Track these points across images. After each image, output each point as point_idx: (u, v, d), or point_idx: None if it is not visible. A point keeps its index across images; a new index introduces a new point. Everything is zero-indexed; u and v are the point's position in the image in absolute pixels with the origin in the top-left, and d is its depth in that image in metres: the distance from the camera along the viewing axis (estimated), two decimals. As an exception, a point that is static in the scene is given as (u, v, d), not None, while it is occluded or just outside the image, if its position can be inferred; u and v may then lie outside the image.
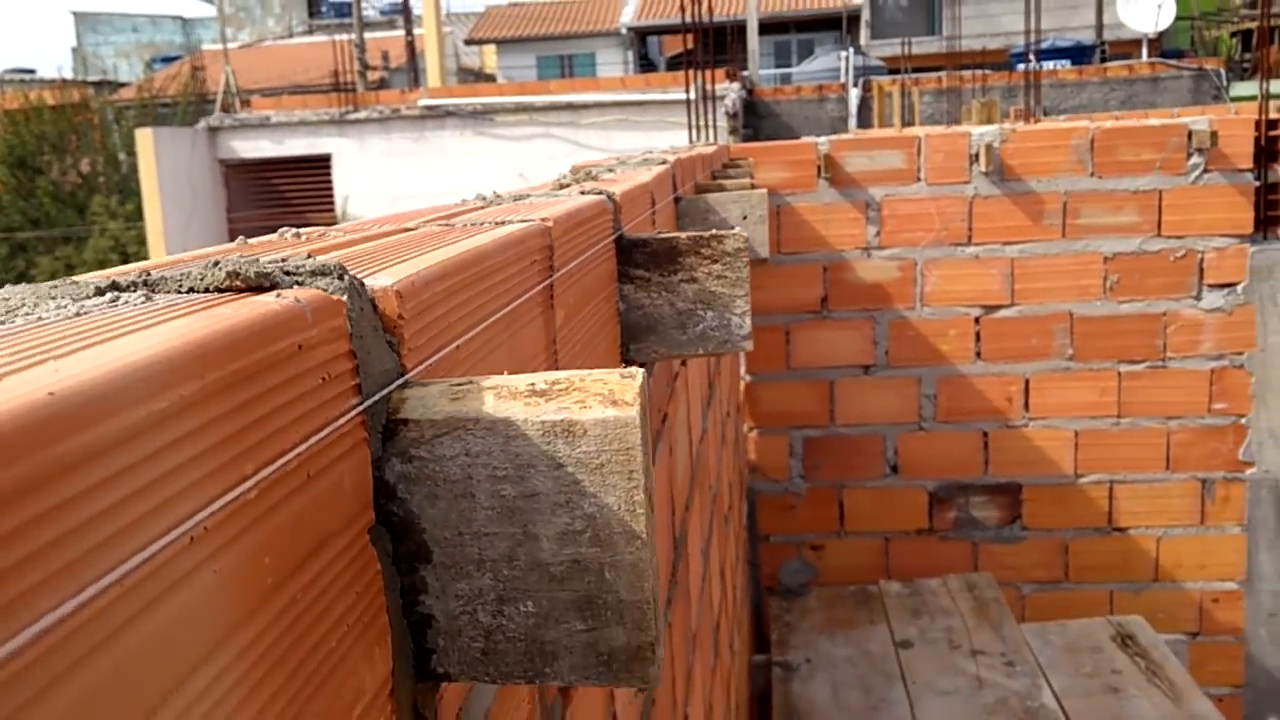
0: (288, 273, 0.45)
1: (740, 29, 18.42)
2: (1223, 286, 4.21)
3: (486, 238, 0.67)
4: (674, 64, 29.97)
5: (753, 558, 4.45)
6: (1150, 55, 18.58)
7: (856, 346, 4.36)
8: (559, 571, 0.48)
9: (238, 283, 0.43)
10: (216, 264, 0.44)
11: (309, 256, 0.50)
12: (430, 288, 0.53)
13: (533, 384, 0.48)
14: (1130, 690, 3.61)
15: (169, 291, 0.44)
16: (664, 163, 1.77)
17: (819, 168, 4.31)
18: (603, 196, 1.04)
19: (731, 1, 24.20)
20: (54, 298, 0.41)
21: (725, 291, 1.10)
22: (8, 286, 0.44)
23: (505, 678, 0.50)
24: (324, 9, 40.22)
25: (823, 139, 4.46)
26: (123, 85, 29.27)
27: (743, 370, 4.38)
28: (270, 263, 0.45)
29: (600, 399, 0.47)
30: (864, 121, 15.51)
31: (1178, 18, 22.23)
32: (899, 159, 4.30)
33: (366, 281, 0.49)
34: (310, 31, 37.46)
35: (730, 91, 13.66)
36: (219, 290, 0.44)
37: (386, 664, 0.47)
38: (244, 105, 15.82)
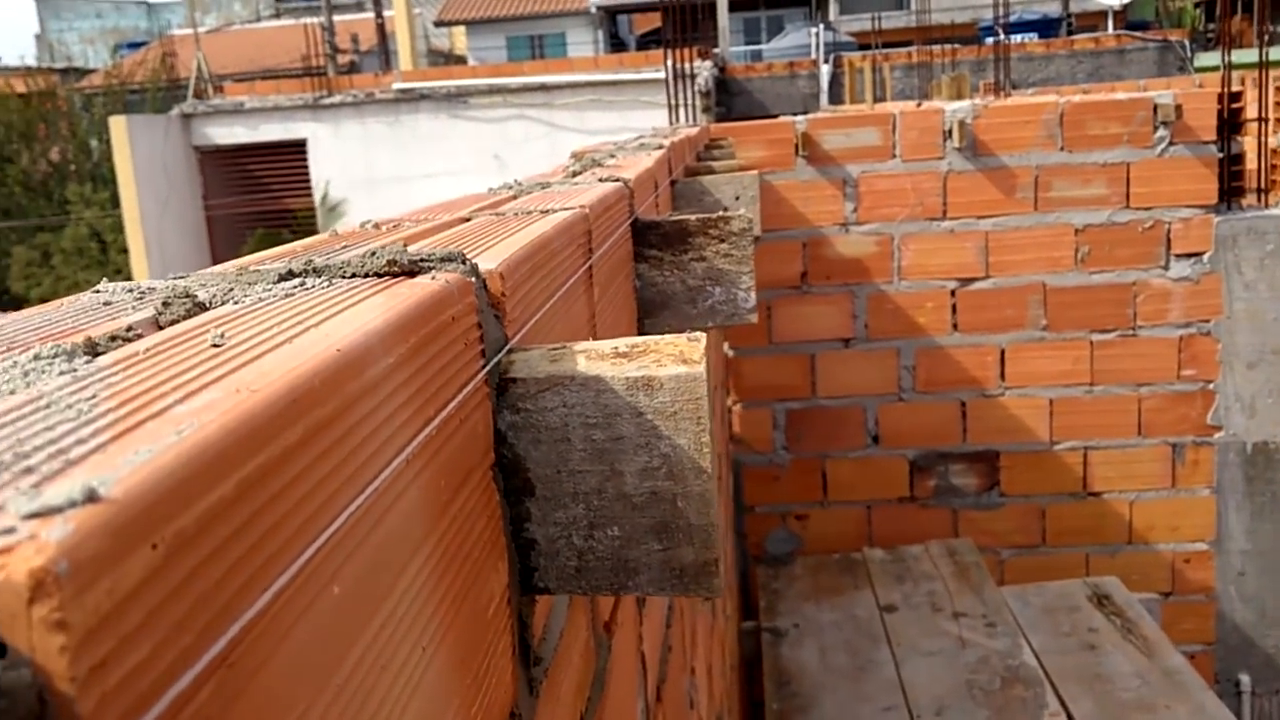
0: (424, 260, 0.54)
1: (710, 7, 18.44)
2: (1189, 256, 4.34)
3: (546, 224, 0.77)
4: (644, 42, 29.88)
5: (739, 528, 4.57)
6: (1116, 27, 18.75)
7: (836, 320, 4.47)
8: (639, 501, 0.58)
9: (395, 268, 0.53)
10: (374, 254, 0.54)
11: (405, 246, 0.59)
12: (519, 269, 0.63)
13: (615, 347, 0.58)
14: (1107, 647, 3.75)
15: (338, 277, 0.54)
16: (660, 147, 1.87)
17: (796, 146, 4.41)
18: (620, 183, 1.13)
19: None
20: (252, 283, 0.50)
21: (732, 269, 1.20)
22: (201, 273, 0.53)
23: (595, 590, 0.60)
24: (291, -8, 39.86)
25: (800, 118, 4.56)
26: (89, 72, 28.97)
27: (725, 345, 4.48)
28: (405, 252, 0.55)
29: (673, 358, 0.57)
30: (835, 97, 15.57)
31: (1143, -11, 22.40)
32: (874, 136, 4.40)
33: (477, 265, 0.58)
34: (277, 15, 37.13)
35: (703, 70, 13.71)
36: (378, 275, 0.53)
37: (504, 578, 0.56)
38: (216, 91, 15.76)
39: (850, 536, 4.57)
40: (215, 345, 0.37)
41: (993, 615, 3.88)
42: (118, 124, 14.38)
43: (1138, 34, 16.82)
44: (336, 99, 14.62)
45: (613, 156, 1.69)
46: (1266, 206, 4.39)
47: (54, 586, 0.22)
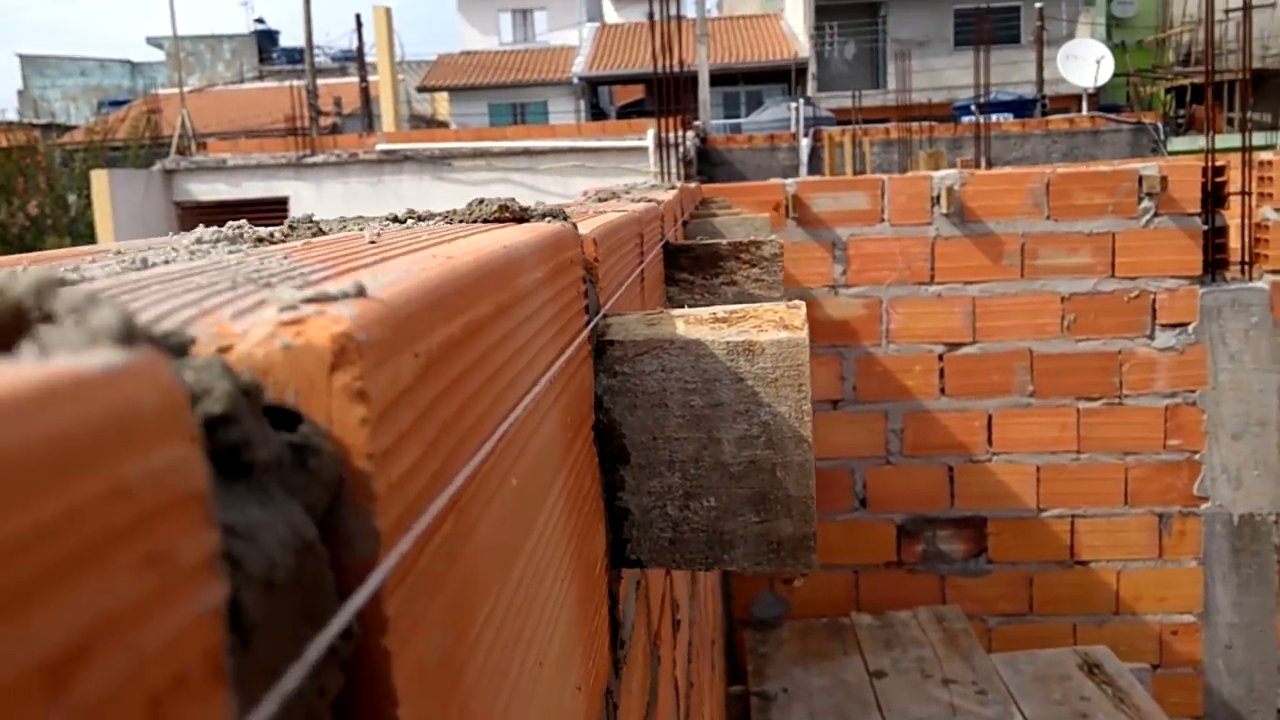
0: (530, 211, 0.53)
1: (691, 80, 18.73)
2: (1175, 326, 4.38)
3: (612, 215, 0.76)
4: (625, 113, 30.27)
5: (725, 590, 4.52)
6: (1089, 109, 19.15)
7: (825, 381, 4.47)
8: (737, 470, 0.56)
9: (506, 215, 0.51)
10: (482, 202, 0.53)
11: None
12: (605, 241, 0.61)
13: (714, 313, 0.57)
14: (1099, 716, 3.71)
15: (446, 222, 0.52)
16: (672, 188, 1.88)
17: (786, 208, 4.45)
18: (655, 203, 1.13)
19: (682, 53, 24.54)
20: (365, 222, 0.49)
21: (763, 294, 1.19)
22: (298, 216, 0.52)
23: (689, 564, 0.57)
24: (275, 55, 40.29)
25: (790, 181, 4.60)
26: (71, 128, 29.04)
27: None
28: (514, 201, 0.53)
29: (774, 324, 0.56)
30: (815, 170, 15.79)
31: (1114, 74, 22.95)
32: (863, 200, 4.45)
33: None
34: (261, 77, 37.46)
35: (687, 138, 13.88)
36: (487, 221, 0.52)
37: (603, 542, 0.54)
38: (199, 148, 15.81)
39: (838, 601, 4.53)
40: (372, 242, 0.35)
41: (983, 682, 3.83)
42: (99, 178, 14.38)
43: (1111, 116, 17.20)
44: (319, 158, 14.69)
45: (628, 192, 1.70)
46: (1250, 279, 4.45)
47: (355, 354, 0.20)
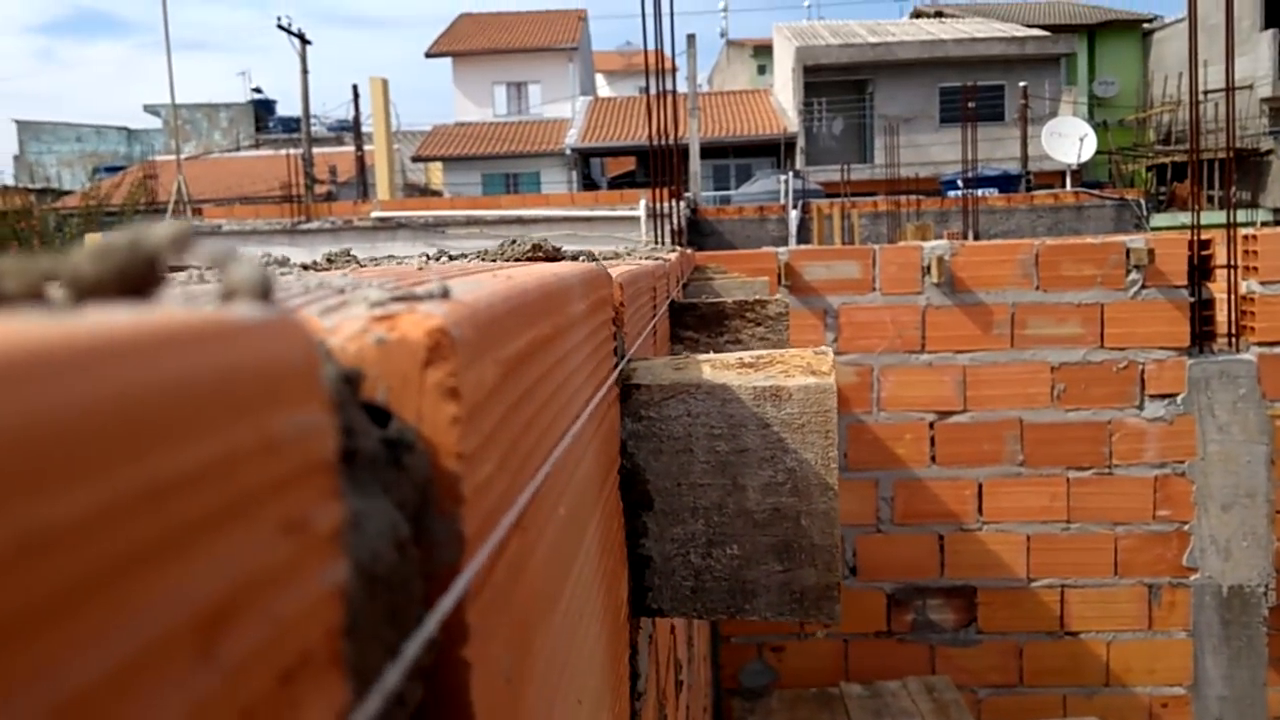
0: (560, 250, 0.53)
1: (683, 152, 18.97)
2: (1163, 397, 4.40)
3: (630, 265, 0.76)
4: (616, 184, 30.58)
5: (714, 658, 4.46)
6: (1073, 186, 19.42)
7: (817, 450, 4.46)
8: (762, 518, 0.56)
9: (539, 254, 0.52)
10: (514, 242, 0.53)
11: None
12: (629, 287, 0.62)
13: (740, 358, 0.57)
14: (1090, 789, 3.66)
15: (479, 259, 0.53)
16: (673, 250, 1.89)
17: (779, 275, 4.48)
18: (664, 261, 1.14)
19: (675, 126, 24.85)
20: (400, 260, 0.49)
21: (767, 354, 1.20)
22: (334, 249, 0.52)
23: (710, 613, 0.57)
24: (272, 124, 40.69)
25: (782, 249, 4.64)
26: (66, 193, 29.19)
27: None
28: (546, 241, 0.54)
29: (801, 370, 0.56)
30: (803, 240, 15.93)
31: (1097, 152, 23.32)
32: (855, 269, 4.48)
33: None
34: (256, 145, 37.79)
35: (678, 208, 14.01)
36: (518, 260, 0.52)
37: (626, 589, 0.54)
38: (195, 214, 15.89)
39: (827, 670, 4.48)
40: (420, 269, 0.36)
41: (974, 755, 3.78)
42: (93, 240, 14.40)
43: (1095, 192, 17.45)
44: (314, 224, 14.77)
45: (630, 253, 1.71)
46: (1237, 351, 4.49)
47: (450, 350, 0.20)
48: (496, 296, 0.24)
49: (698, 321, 1.23)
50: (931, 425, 4.43)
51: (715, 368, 0.56)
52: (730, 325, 1.22)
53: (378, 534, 0.21)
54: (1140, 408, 4.40)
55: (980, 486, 4.44)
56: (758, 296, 1.21)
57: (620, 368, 0.54)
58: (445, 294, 0.22)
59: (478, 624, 0.24)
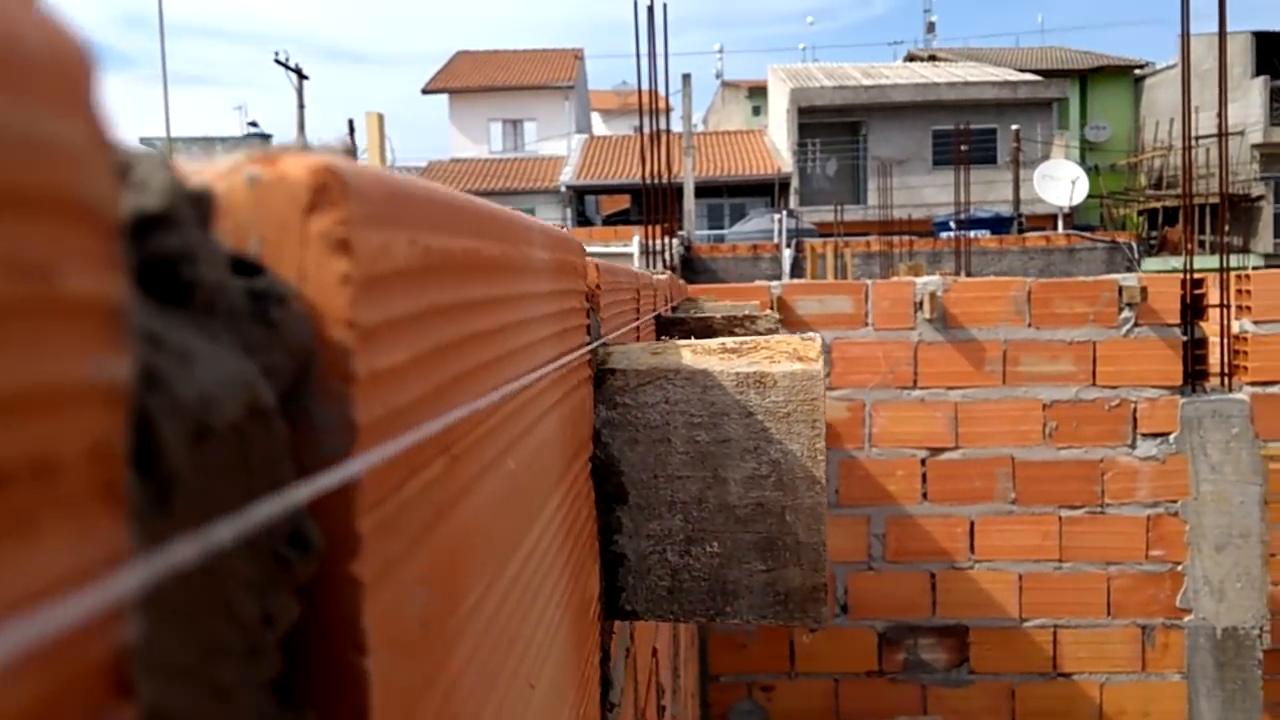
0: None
1: (677, 190, 19.06)
2: (1156, 436, 4.37)
3: (609, 260, 0.73)
4: (610, 221, 30.73)
5: (702, 697, 4.40)
6: (1065, 228, 19.55)
7: (807, 485, 4.42)
8: (744, 514, 0.52)
9: None
10: None
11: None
12: (605, 274, 0.58)
13: (723, 343, 0.53)
14: (1083, 834, 3.60)
15: None
16: (663, 272, 1.86)
17: (772, 309, 4.46)
18: (650, 274, 1.11)
19: (670, 164, 25.05)
20: None
21: (755, 371, 1.17)
22: None
23: (688, 616, 0.53)
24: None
25: (775, 283, 4.63)
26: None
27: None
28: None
29: (787, 356, 0.52)
30: (797, 279, 16.00)
31: (1088, 195, 23.50)
32: (848, 304, 4.47)
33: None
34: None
35: (670, 245, 14.05)
36: None
37: (597, 585, 0.50)
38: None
39: (817, 711, 4.41)
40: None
41: (965, 797, 3.72)
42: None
43: (1087, 234, 17.54)
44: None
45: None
46: (1230, 391, 4.46)
47: (339, 196, 0.16)
48: (420, 183, 0.21)
49: (683, 337, 1.19)
50: (923, 462, 4.40)
51: (696, 353, 0.53)
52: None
53: (216, 382, 0.17)
54: (1132, 446, 4.37)
55: (972, 524, 4.40)
56: (747, 313, 1.17)
57: (595, 349, 0.51)
58: (351, 153, 0.19)
59: (375, 540, 0.20)
